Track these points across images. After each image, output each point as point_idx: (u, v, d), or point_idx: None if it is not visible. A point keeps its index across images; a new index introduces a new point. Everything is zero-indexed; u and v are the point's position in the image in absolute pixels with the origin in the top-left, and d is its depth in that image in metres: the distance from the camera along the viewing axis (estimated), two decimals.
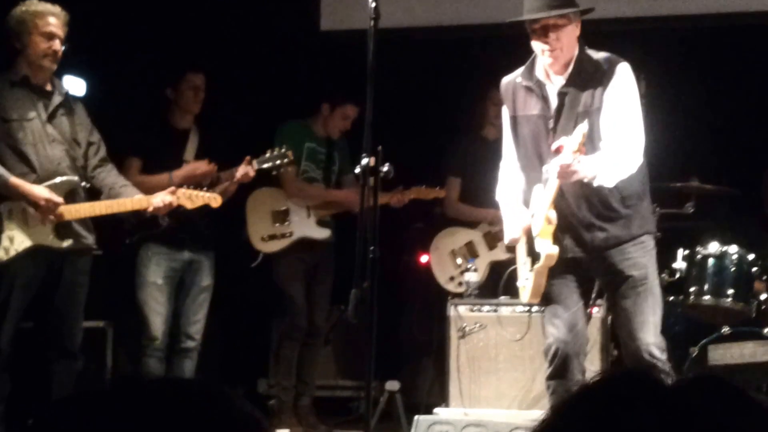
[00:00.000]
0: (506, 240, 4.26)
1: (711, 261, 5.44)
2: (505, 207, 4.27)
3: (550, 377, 4.11)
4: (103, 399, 1.16)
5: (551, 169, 3.85)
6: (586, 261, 4.09)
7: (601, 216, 4.03)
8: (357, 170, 3.87)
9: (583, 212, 4.03)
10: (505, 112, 4.22)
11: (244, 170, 5.29)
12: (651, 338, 4.04)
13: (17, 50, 4.70)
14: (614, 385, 1.15)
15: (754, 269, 5.45)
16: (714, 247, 5.45)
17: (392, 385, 5.44)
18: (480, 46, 6.75)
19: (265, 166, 5.36)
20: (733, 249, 5.42)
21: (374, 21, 3.84)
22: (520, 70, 4.15)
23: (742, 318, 5.43)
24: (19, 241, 4.60)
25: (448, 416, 4.92)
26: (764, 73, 6.47)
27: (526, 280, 4.15)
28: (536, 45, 4.01)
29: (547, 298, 4.12)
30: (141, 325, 5.39)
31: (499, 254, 5.99)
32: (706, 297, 5.42)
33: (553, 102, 4.05)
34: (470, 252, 6.01)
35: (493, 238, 6.02)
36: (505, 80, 4.22)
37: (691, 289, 5.46)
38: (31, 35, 4.64)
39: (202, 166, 5.32)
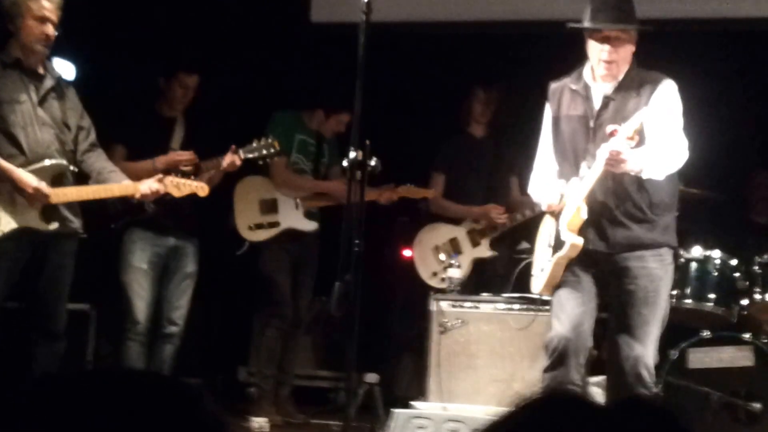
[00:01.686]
0: (544, 206, 4.28)
1: (693, 265, 5.47)
2: (536, 186, 4.32)
3: (545, 370, 4.14)
4: (68, 385, 1.17)
5: (600, 155, 3.88)
6: (604, 257, 4.11)
7: (627, 214, 4.07)
8: (345, 164, 3.89)
9: (611, 207, 4.07)
10: (548, 113, 4.29)
11: (230, 159, 5.31)
12: (650, 351, 4.07)
13: (10, 33, 4.70)
14: (548, 406, 1.17)
15: (737, 274, 5.49)
16: (697, 251, 5.48)
17: (372, 378, 5.46)
18: (471, 43, 6.77)
19: (252, 155, 5.38)
20: (715, 254, 5.45)
21: (366, 15, 3.85)
22: (570, 74, 4.24)
23: (723, 323, 5.47)
24: (5, 222, 4.60)
25: (427, 410, 4.95)
26: (748, 79, 6.51)
27: (542, 271, 4.18)
28: (594, 52, 4.08)
29: (557, 292, 4.15)
30: (124, 309, 5.41)
31: (483, 251, 6.04)
32: (688, 301, 5.45)
33: (597, 104, 4.12)
34: (454, 248, 6.04)
35: (477, 235, 6.06)
36: (554, 84, 4.30)
37: (673, 293, 5.48)
38: (24, 18, 4.64)
39: (185, 154, 5.34)
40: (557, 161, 4.24)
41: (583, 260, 4.10)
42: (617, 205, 4.07)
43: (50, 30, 4.67)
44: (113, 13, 6.44)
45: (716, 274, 5.45)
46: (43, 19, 4.66)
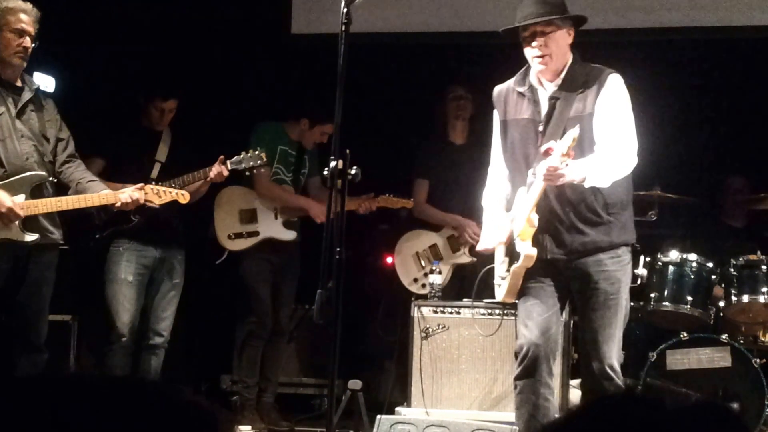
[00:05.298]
0: (479, 247, 4.30)
1: (671, 268, 5.54)
2: (487, 214, 4.30)
3: (518, 377, 4.14)
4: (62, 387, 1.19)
5: (538, 171, 3.88)
6: (564, 264, 4.12)
7: (583, 219, 4.06)
8: (325, 172, 3.90)
9: (567, 214, 4.06)
10: (496, 118, 4.28)
11: (218, 170, 5.32)
12: (614, 352, 4.09)
13: None
14: (626, 405, 1.20)
15: (713, 277, 5.56)
16: (674, 254, 5.55)
17: (355, 384, 5.48)
18: (450, 53, 6.81)
19: (239, 166, 5.40)
20: (692, 257, 5.52)
21: (345, 26, 3.86)
22: (514, 77, 4.22)
23: (701, 324, 5.53)
24: None
25: (411, 416, 4.98)
26: (724, 86, 6.58)
27: (503, 279, 4.19)
28: (527, 52, 4.08)
29: (523, 300, 4.16)
30: (108, 320, 5.40)
31: (462, 258, 6.07)
32: (666, 303, 5.52)
33: (544, 107, 4.10)
34: (434, 255, 6.07)
35: (456, 242, 6.10)
36: (498, 87, 4.28)
37: (652, 295, 5.55)
38: (2, 32, 4.64)
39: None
40: (508, 167, 4.23)
41: (544, 268, 4.11)
42: (572, 211, 4.06)
43: (28, 43, 4.68)
44: (93, 27, 6.43)
45: (693, 276, 5.52)
46: (21, 32, 4.66)
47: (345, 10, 3.86)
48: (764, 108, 6.41)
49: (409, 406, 5.27)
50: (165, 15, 6.67)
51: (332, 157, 3.82)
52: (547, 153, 3.79)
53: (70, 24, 6.07)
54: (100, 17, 6.45)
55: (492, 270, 4.37)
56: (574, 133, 3.74)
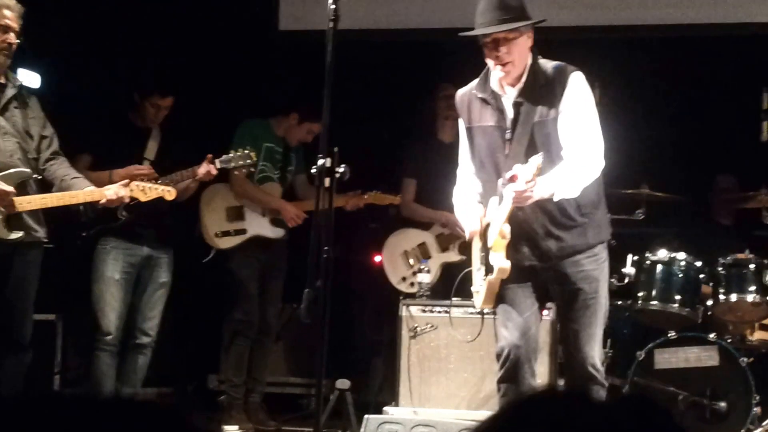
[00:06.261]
0: (467, 235, 4.27)
1: (659, 267, 5.54)
2: (459, 206, 4.27)
3: (501, 380, 4.13)
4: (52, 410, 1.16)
5: (506, 194, 3.86)
6: (542, 269, 4.11)
7: (557, 224, 4.04)
8: (313, 170, 3.88)
9: (540, 221, 4.04)
10: (461, 123, 4.24)
11: (206, 168, 5.30)
12: (596, 351, 4.10)
13: None
14: (551, 402, 1.18)
15: (701, 276, 5.56)
16: (662, 253, 5.55)
17: (342, 384, 5.46)
18: (439, 50, 6.79)
19: (228, 166, 5.37)
20: (681, 256, 5.52)
21: (333, 23, 3.85)
22: (475, 82, 4.16)
23: (688, 323, 5.54)
24: None
25: (398, 415, 4.96)
26: (713, 84, 6.59)
27: (480, 286, 4.18)
28: (489, 59, 4.02)
29: (501, 302, 4.13)
30: (95, 319, 5.36)
31: (451, 256, 6.06)
32: (654, 302, 5.52)
33: (509, 113, 4.05)
34: (423, 253, 6.06)
35: (445, 240, 6.08)
36: (460, 92, 4.23)
37: (640, 294, 5.55)
38: None
39: (143, 168, 5.28)
40: (477, 175, 4.20)
41: (522, 273, 4.10)
42: (546, 218, 4.04)
43: (12, 38, 4.64)
44: (79, 23, 6.39)
45: (681, 275, 5.52)
46: (5, 28, 4.62)
47: (333, 6, 3.85)
48: (753, 106, 6.41)
49: (396, 405, 5.26)
50: (152, 12, 6.64)
51: (320, 155, 3.80)
52: (512, 179, 3.77)
53: (56, 20, 6.02)
54: (85, 14, 6.41)
55: (469, 273, 4.35)
56: (537, 161, 3.70)
